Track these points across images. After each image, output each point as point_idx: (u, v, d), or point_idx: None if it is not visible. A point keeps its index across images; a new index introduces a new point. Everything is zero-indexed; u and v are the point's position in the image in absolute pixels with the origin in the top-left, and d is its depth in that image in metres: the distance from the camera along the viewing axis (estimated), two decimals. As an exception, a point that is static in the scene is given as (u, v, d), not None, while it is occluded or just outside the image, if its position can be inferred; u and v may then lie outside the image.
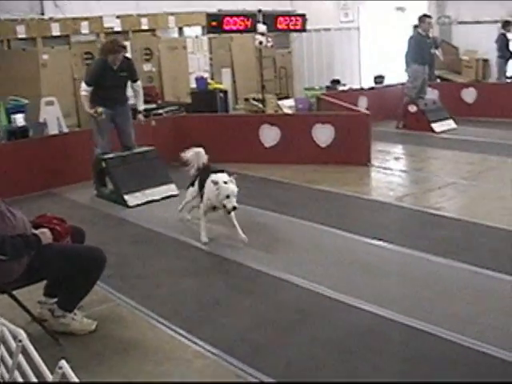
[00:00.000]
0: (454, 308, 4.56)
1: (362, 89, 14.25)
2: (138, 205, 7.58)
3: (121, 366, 3.92)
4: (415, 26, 12.52)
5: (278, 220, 6.84)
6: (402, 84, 13.18)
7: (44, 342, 4.08)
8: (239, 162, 8.86)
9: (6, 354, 2.64)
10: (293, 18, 11.63)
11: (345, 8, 16.21)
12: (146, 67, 12.24)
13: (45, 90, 10.60)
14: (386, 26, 16.64)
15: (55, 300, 4.44)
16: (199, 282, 5.28)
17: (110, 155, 7.89)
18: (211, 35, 12.82)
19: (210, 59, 13.40)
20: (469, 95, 13.70)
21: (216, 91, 12.17)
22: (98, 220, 7.21)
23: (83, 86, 7.69)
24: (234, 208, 5.67)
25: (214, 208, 6.01)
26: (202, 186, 6.17)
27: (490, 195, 7.68)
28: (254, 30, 10.85)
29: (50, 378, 2.29)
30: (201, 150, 6.57)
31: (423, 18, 12.15)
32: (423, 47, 12.12)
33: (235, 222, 5.99)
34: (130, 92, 8.20)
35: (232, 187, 5.69)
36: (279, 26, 11.38)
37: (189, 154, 6.58)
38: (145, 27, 12.41)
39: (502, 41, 14.79)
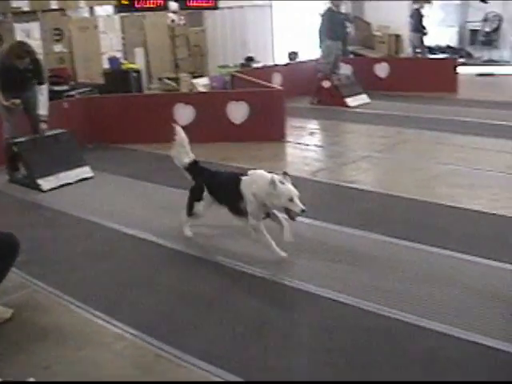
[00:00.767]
0: (364, 277, 4.73)
1: (276, 65, 14.36)
2: (52, 189, 7.43)
3: (41, 353, 3.87)
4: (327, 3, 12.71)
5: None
6: (316, 60, 13.39)
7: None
8: (154, 142, 8.81)
9: None
10: (205, -4, 11.60)
11: (257, -15, 16.22)
12: (57, 48, 11.87)
13: None
14: (298, 2, 16.76)
15: (-33, 289, 4.33)
16: (116, 264, 5.25)
17: (21, 139, 7.68)
18: (123, 14, 12.60)
19: (123, 39, 13.12)
20: (382, 70, 14.08)
21: (129, 71, 11.98)
22: (11, 206, 7.06)
23: None
24: (303, 211, 4.84)
25: (268, 215, 5.24)
26: (212, 192, 5.55)
27: (403, 167, 7.94)
28: (165, 8, 10.75)
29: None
30: (183, 136, 5.83)
31: (335, -6, 12.37)
32: (336, 23, 12.35)
33: (285, 223, 5.17)
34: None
35: (293, 188, 4.93)
36: (191, 4, 11.32)
37: (174, 147, 5.83)
38: (54, 7, 12.02)
39: (417, 16, 15.29)
